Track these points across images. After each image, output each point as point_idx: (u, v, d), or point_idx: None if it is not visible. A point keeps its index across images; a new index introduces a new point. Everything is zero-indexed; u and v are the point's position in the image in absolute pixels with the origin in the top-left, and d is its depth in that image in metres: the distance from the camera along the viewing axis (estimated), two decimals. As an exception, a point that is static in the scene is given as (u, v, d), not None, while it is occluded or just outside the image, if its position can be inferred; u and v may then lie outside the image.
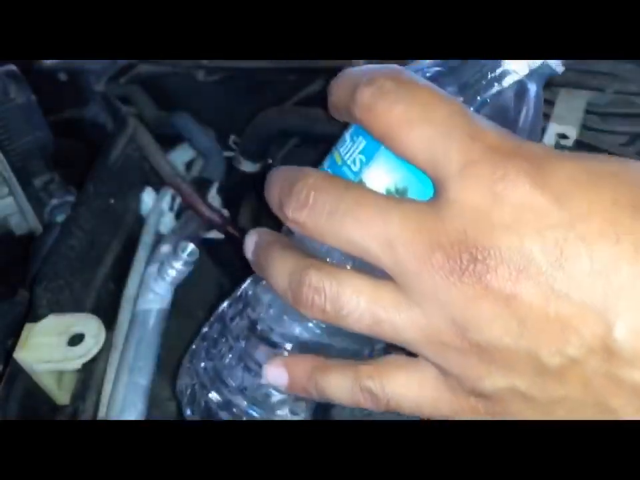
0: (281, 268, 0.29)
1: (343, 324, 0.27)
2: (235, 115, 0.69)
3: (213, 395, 0.34)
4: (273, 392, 0.34)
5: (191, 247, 0.48)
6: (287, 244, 0.30)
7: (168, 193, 0.62)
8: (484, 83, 0.28)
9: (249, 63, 0.66)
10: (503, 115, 0.28)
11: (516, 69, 0.27)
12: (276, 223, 0.29)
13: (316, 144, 0.58)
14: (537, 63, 0.27)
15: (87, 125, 0.72)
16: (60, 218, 0.61)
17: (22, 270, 0.57)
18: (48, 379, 0.44)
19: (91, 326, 0.44)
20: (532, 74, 0.28)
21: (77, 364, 0.43)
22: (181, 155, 0.70)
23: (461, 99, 0.27)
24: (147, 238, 0.58)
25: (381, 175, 0.28)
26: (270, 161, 0.66)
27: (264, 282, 0.33)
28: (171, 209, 0.61)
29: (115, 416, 0.44)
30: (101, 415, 0.45)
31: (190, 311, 0.52)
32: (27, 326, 0.45)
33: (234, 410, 0.34)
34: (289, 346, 0.32)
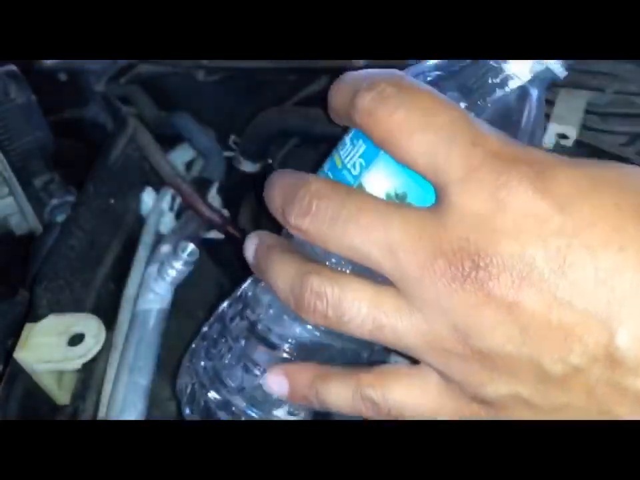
0: (282, 273, 0.29)
1: (345, 329, 0.27)
2: (235, 114, 0.69)
3: (212, 395, 0.34)
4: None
5: (191, 246, 0.48)
6: (287, 248, 0.30)
7: (168, 192, 0.62)
8: (486, 88, 0.28)
9: (249, 63, 0.66)
10: (505, 120, 0.28)
11: (518, 74, 0.27)
12: (276, 224, 0.29)
13: (316, 144, 0.58)
14: (539, 67, 0.27)
15: (87, 125, 0.72)
16: (60, 218, 0.61)
17: (22, 270, 0.57)
18: (48, 379, 0.44)
19: (91, 326, 0.44)
20: (534, 79, 0.27)
21: (77, 364, 0.43)
22: (181, 155, 0.70)
23: (463, 104, 0.27)
24: (147, 238, 0.58)
25: (380, 180, 0.28)
26: (270, 161, 0.66)
27: (263, 283, 0.33)
28: (171, 208, 0.61)
29: (114, 416, 0.44)
30: (101, 414, 0.45)
31: (190, 310, 0.52)
32: (27, 326, 0.45)
33: (233, 409, 0.34)
34: (288, 347, 0.32)
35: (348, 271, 0.28)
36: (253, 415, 0.33)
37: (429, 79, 0.28)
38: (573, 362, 0.24)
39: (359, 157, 0.28)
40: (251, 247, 0.31)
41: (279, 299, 0.29)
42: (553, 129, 0.52)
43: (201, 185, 0.63)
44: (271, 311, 0.33)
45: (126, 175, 0.60)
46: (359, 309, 0.27)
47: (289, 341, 0.32)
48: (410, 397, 0.28)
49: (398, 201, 0.27)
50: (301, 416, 0.34)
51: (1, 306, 0.50)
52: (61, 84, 0.70)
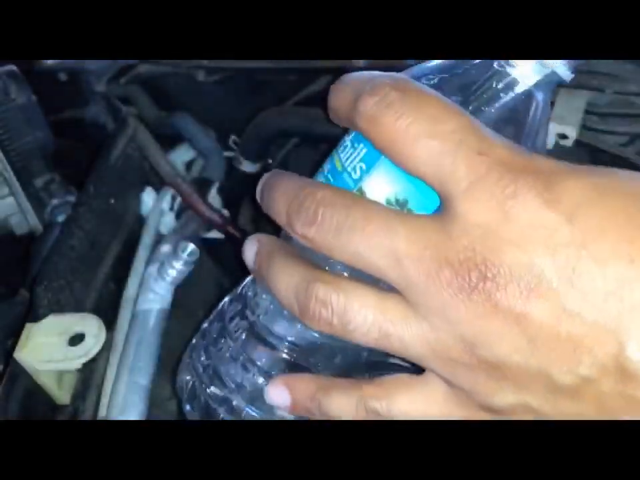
0: (285, 279, 0.28)
1: (350, 337, 0.27)
2: (235, 114, 0.69)
3: (212, 391, 0.34)
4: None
5: (191, 247, 0.48)
6: (289, 253, 0.29)
7: (168, 192, 0.62)
8: (491, 92, 0.27)
9: (249, 63, 0.66)
10: (510, 125, 0.27)
11: (523, 78, 0.27)
12: (275, 225, 0.29)
13: (316, 144, 0.58)
14: (544, 71, 0.27)
15: (87, 125, 0.72)
16: (60, 218, 0.61)
17: (22, 270, 0.57)
18: (48, 379, 0.44)
19: (91, 326, 0.44)
20: (539, 82, 0.27)
21: (77, 364, 0.43)
22: (181, 155, 0.70)
23: (466, 108, 0.27)
24: (147, 238, 0.58)
25: (381, 185, 0.27)
26: (270, 161, 0.66)
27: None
28: (171, 208, 0.61)
29: (115, 416, 0.44)
30: (101, 414, 0.45)
31: (190, 310, 0.52)
32: (27, 326, 0.45)
33: (233, 408, 0.34)
34: (287, 346, 0.32)
35: (347, 274, 0.28)
36: (253, 413, 0.33)
37: (432, 82, 0.28)
38: (582, 373, 0.23)
39: (360, 160, 0.28)
40: (250, 252, 0.31)
41: (281, 305, 0.29)
42: (553, 128, 0.52)
43: (201, 185, 0.63)
44: (271, 311, 0.32)
45: (126, 175, 0.60)
46: (364, 317, 0.26)
47: (289, 340, 0.32)
48: (414, 406, 0.28)
49: (398, 207, 0.27)
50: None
51: (1, 306, 0.51)
52: (60, 84, 0.70)
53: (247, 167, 0.66)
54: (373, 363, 0.34)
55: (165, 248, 0.54)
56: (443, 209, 0.26)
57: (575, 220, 0.23)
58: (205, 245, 0.58)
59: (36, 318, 0.45)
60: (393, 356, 0.28)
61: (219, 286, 0.58)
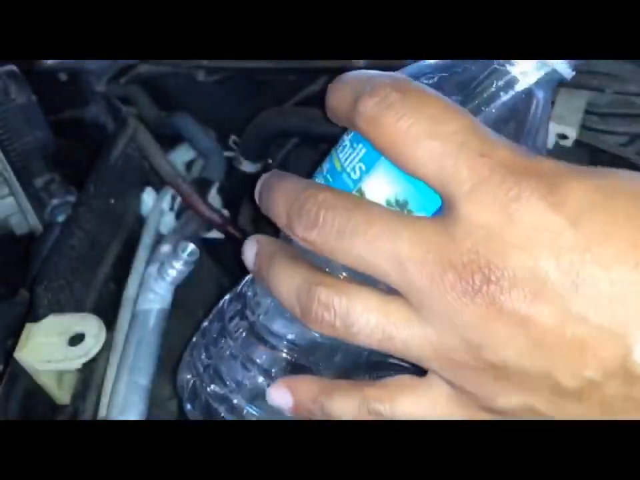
0: (286, 282, 0.28)
1: (353, 340, 0.27)
2: (235, 114, 0.69)
3: (213, 391, 0.34)
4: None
5: (191, 247, 0.48)
6: (289, 254, 0.29)
7: (168, 192, 0.62)
8: (491, 91, 0.27)
9: (249, 63, 0.66)
10: (510, 123, 0.27)
11: (524, 76, 0.27)
12: (275, 225, 0.29)
13: (316, 144, 0.58)
14: (545, 69, 0.27)
15: (87, 125, 0.72)
16: (60, 218, 0.61)
17: (22, 270, 0.57)
18: (48, 379, 0.44)
19: (91, 326, 0.44)
20: (540, 80, 0.27)
21: (77, 364, 0.43)
22: (181, 155, 0.70)
23: (466, 107, 0.27)
24: (147, 238, 0.58)
25: (381, 186, 0.27)
26: (270, 161, 0.66)
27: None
28: (171, 208, 0.61)
29: (115, 416, 0.44)
30: (101, 414, 0.45)
31: (190, 310, 0.52)
32: (27, 326, 0.45)
33: (233, 407, 0.34)
34: (287, 345, 0.32)
35: (345, 274, 0.28)
36: (254, 412, 0.33)
37: (432, 80, 0.28)
38: (587, 376, 0.23)
39: (359, 160, 0.28)
40: (250, 253, 0.31)
41: (282, 306, 0.29)
42: (553, 128, 0.52)
43: (201, 185, 0.63)
44: (271, 311, 0.32)
45: (126, 175, 0.61)
46: (367, 320, 0.26)
47: (289, 339, 0.32)
48: (417, 408, 0.28)
49: (398, 208, 0.27)
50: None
51: (1, 306, 0.51)
52: (60, 84, 0.70)
53: (247, 167, 0.66)
54: (373, 363, 0.34)
55: (165, 248, 0.54)
56: (445, 211, 0.25)
57: (578, 224, 0.23)
58: (205, 245, 0.58)
59: (36, 318, 0.45)
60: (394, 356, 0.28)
61: (219, 286, 0.58)
